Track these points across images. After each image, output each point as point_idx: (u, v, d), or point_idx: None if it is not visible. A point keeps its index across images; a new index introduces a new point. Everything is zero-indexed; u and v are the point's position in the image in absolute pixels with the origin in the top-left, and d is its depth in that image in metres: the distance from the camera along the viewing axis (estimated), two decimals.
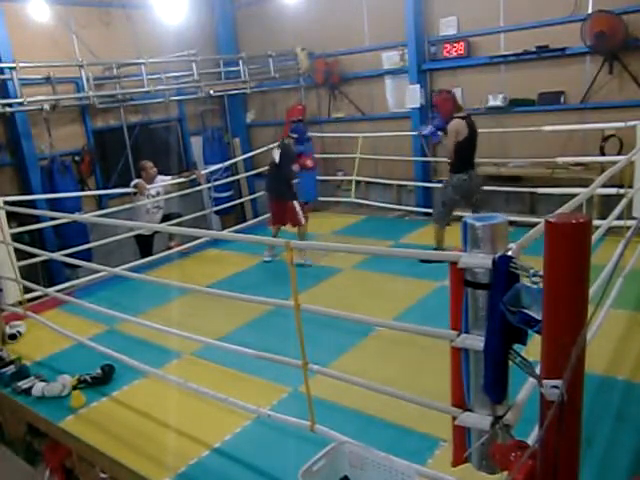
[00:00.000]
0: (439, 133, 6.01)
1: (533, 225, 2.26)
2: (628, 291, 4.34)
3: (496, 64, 7.65)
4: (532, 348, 2.00)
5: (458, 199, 6.01)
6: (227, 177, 8.93)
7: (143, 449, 3.33)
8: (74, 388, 3.96)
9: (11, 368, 4.38)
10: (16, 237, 5.63)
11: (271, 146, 7.60)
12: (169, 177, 7.32)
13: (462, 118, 5.78)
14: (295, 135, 6.61)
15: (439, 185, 8.18)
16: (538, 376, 1.84)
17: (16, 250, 5.32)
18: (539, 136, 7.02)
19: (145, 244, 7.03)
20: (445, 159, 6.23)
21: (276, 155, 6.38)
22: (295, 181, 6.62)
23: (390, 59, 8.67)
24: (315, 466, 2.51)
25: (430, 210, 8.10)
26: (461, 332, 2.13)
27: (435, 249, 5.90)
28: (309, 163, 6.82)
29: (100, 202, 8.37)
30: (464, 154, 5.80)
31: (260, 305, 4.44)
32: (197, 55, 8.48)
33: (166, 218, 7.11)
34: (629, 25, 6.41)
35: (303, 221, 6.43)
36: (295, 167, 6.49)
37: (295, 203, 6.46)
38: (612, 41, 6.42)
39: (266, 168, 7.06)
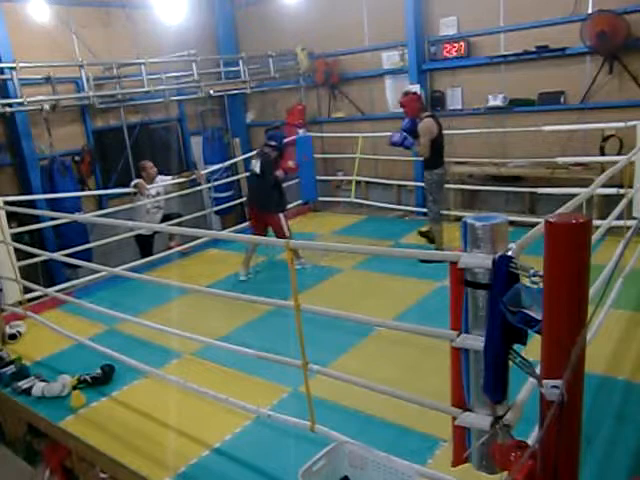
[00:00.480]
0: (410, 139, 6.10)
1: (533, 225, 2.26)
2: (628, 291, 4.34)
3: (496, 64, 7.65)
4: (532, 348, 2.00)
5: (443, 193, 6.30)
6: (227, 177, 8.92)
7: (143, 449, 3.33)
8: (74, 388, 3.97)
9: (11, 368, 4.38)
10: (16, 237, 5.62)
11: (250, 154, 7.32)
12: (169, 177, 7.32)
13: (431, 117, 6.03)
14: (273, 143, 6.21)
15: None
16: (538, 376, 1.84)
17: (16, 250, 5.32)
18: (539, 136, 7.02)
19: (145, 244, 7.03)
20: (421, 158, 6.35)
21: (256, 166, 6.09)
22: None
23: (390, 59, 8.68)
24: (315, 466, 2.51)
25: None
26: (461, 332, 2.13)
27: (436, 249, 5.90)
28: (291, 164, 6.38)
29: (100, 202, 8.38)
30: (439, 150, 6.07)
31: (260, 305, 4.44)
32: (197, 55, 8.48)
33: (166, 218, 7.10)
34: (632, 25, 6.39)
35: (288, 234, 6.03)
36: (279, 173, 6.13)
37: (281, 216, 6.08)
38: (613, 41, 6.41)
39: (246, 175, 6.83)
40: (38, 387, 4.05)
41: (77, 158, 8.25)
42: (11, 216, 5.52)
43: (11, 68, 6.79)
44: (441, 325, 2.36)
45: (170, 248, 7.11)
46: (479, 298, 2.03)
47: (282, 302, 3.19)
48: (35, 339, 5.06)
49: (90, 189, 8.41)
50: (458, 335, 2.13)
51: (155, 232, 7.05)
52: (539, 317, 1.78)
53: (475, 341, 2.06)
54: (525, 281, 1.89)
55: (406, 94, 6.26)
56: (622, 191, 5.19)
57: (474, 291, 2.04)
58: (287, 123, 8.99)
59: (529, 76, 7.39)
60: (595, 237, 2.89)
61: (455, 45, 7.85)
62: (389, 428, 3.27)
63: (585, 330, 1.71)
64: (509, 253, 1.94)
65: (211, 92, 8.95)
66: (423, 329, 2.62)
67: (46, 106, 7.10)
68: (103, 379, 4.12)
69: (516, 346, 1.99)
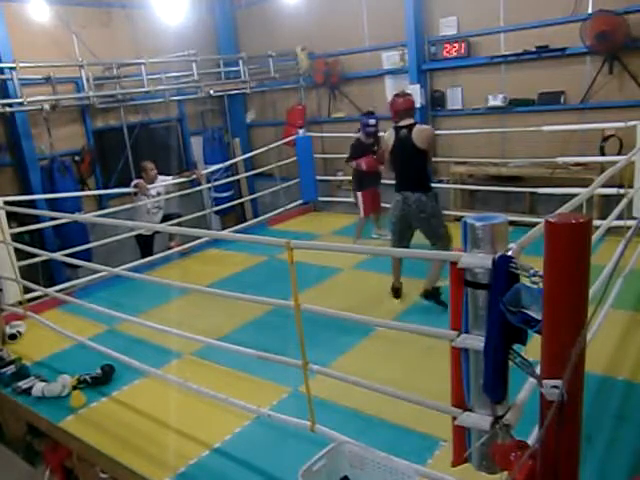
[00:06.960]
0: None
1: (533, 225, 2.26)
2: (628, 291, 4.33)
3: (496, 64, 7.64)
4: (532, 348, 2.00)
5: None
6: (227, 177, 8.92)
7: (143, 449, 3.33)
8: (74, 388, 3.96)
9: (11, 368, 4.38)
10: (16, 237, 5.62)
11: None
12: (170, 177, 7.32)
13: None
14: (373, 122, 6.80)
15: (440, 185, 8.19)
16: (538, 376, 1.84)
17: (16, 250, 5.32)
18: (539, 136, 7.01)
19: (146, 244, 7.03)
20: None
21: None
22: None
23: (390, 59, 8.67)
24: (315, 466, 2.51)
25: None
26: (461, 332, 2.13)
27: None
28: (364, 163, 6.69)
29: (100, 202, 8.37)
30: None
31: (260, 305, 4.44)
32: (197, 55, 8.48)
33: (166, 218, 7.10)
34: (631, 25, 6.37)
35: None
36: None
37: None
38: (614, 41, 6.39)
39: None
40: (38, 387, 4.05)
41: (77, 158, 8.24)
42: (11, 216, 5.52)
43: (11, 68, 6.79)
44: (441, 325, 2.36)
45: (170, 248, 7.11)
46: (479, 298, 2.04)
47: (282, 302, 3.19)
48: (35, 339, 5.06)
49: (90, 189, 8.41)
50: (458, 335, 2.13)
51: (155, 232, 7.05)
52: (539, 317, 1.78)
53: (475, 341, 2.06)
54: (525, 281, 1.89)
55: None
56: (622, 191, 5.19)
57: (474, 291, 2.04)
58: (288, 123, 8.89)
59: (529, 76, 7.39)
60: (595, 237, 2.89)
61: (455, 45, 7.85)
62: (389, 428, 3.27)
63: (585, 330, 1.71)
64: (509, 253, 1.94)
65: (211, 92, 8.95)
66: (423, 329, 2.63)
67: (46, 106, 7.10)
68: (103, 379, 4.12)
69: (516, 346, 2.00)
